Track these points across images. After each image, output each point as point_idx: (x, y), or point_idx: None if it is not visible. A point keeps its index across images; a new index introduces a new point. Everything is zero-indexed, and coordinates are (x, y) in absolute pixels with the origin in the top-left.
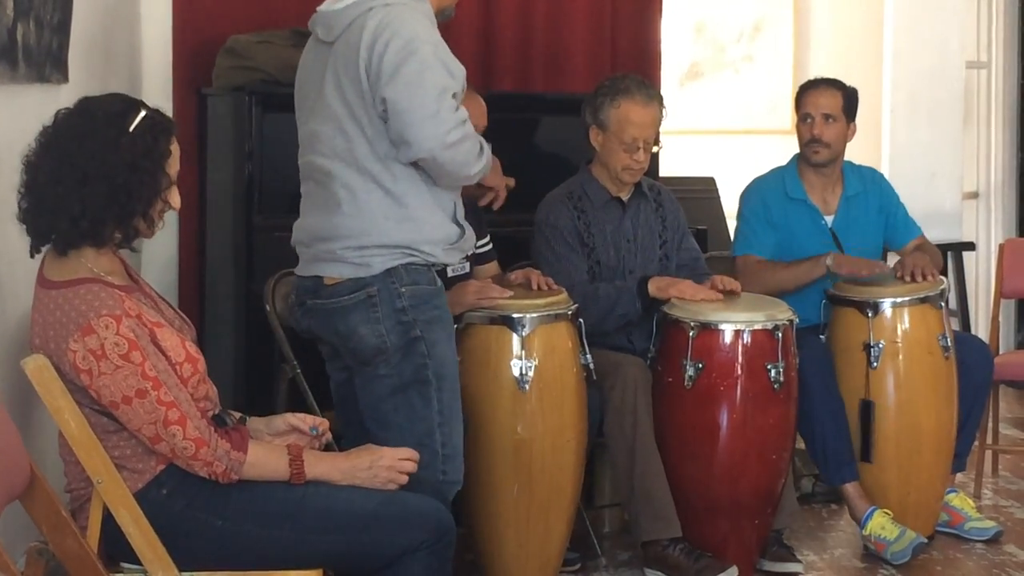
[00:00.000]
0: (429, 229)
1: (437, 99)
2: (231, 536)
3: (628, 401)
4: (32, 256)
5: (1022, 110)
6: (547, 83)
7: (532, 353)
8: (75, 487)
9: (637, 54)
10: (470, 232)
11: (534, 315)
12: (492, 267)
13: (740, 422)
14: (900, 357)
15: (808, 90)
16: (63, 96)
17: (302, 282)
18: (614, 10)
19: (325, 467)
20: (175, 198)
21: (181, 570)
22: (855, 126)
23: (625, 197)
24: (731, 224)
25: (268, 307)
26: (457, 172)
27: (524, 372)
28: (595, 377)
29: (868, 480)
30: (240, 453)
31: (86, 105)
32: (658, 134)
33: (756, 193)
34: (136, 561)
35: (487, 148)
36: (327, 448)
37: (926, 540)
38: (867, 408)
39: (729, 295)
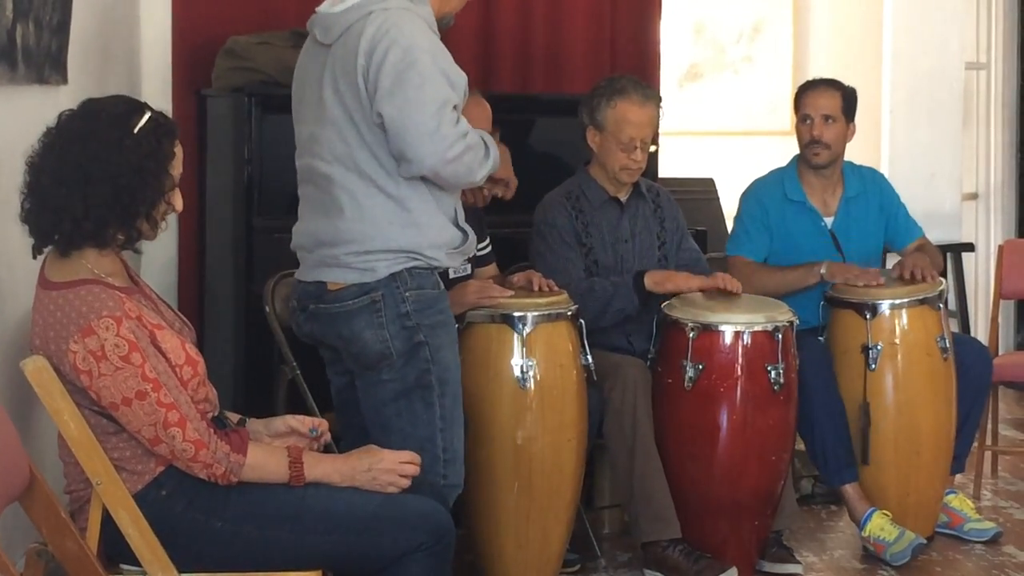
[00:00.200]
0: (432, 233)
1: (436, 114)
2: (230, 537)
3: (628, 402)
4: (35, 257)
5: (1021, 111)
6: (546, 84)
7: (533, 352)
8: (74, 488)
9: (636, 55)
10: (472, 235)
11: (535, 314)
12: (491, 269)
13: (740, 423)
14: (898, 359)
15: (807, 91)
16: (62, 97)
17: (304, 287)
18: (613, 11)
19: (325, 468)
20: (178, 200)
21: (180, 571)
22: (855, 126)
23: (623, 197)
24: (730, 225)
25: (268, 308)
26: (461, 182)
27: (524, 371)
28: (595, 378)
29: (867, 481)
30: (240, 455)
31: (90, 107)
32: (657, 134)
33: (754, 195)
34: (135, 562)
35: (492, 147)
36: (326, 449)
37: (925, 541)
38: (865, 411)
39: (729, 295)
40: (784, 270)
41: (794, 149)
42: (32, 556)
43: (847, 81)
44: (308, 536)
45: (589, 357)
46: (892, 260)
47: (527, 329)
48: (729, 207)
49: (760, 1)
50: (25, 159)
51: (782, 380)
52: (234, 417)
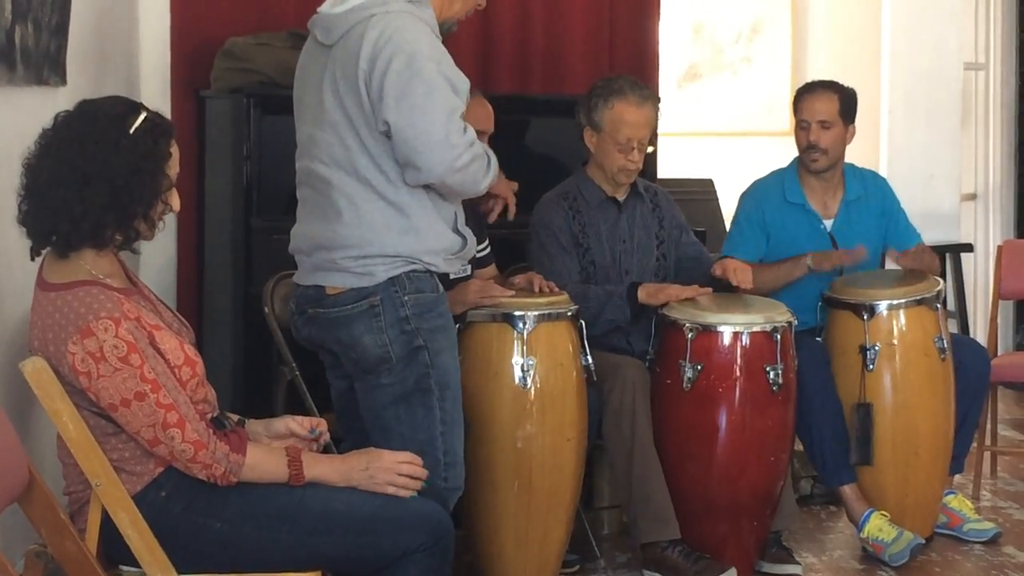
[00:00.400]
0: (431, 240)
1: (445, 124)
2: (230, 538)
3: (627, 403)
4: (32, 259)
5: (1020, 111)
6: (545, 85)
7: (533, 352)
8: (74, 489)
9: (635, 56)
10: (471, 240)
11: (535, 313)
12: (490, 271)
13: (739, 424)
14: (896, 359)
15: (804, 95)
16: (61, 98)
17: (303, 291)
18: (612, 12)
19: (323, 468)
20: (175, 200)
21: (180, 572)
22: (854, 128)
23: (621, 198)
24: (729, 226)
25: (267, 309)
26: (467, 191)
27: (525, 371)
28: (595, 379)
29: (866, 482)
30: (239, 455)
31: (86, 107)
32: (655, 134)
33: (752, 197)
34: (135, 563)
35: (494, 161)
36: (325, 450)
37: (924, 541)
38: (867, 412)
39: (729, 295)
40: (772, 266)
41: (793, 150)
42: (31, 557)
43: (846, 82)
44: (307, 537)
45: (589, 357)
46: (890, 264)
47: (527, 329)
48: (728, 208)
49: (759, 2)
50: (22, 160)
51: (781, 380)
52: (233, 418)
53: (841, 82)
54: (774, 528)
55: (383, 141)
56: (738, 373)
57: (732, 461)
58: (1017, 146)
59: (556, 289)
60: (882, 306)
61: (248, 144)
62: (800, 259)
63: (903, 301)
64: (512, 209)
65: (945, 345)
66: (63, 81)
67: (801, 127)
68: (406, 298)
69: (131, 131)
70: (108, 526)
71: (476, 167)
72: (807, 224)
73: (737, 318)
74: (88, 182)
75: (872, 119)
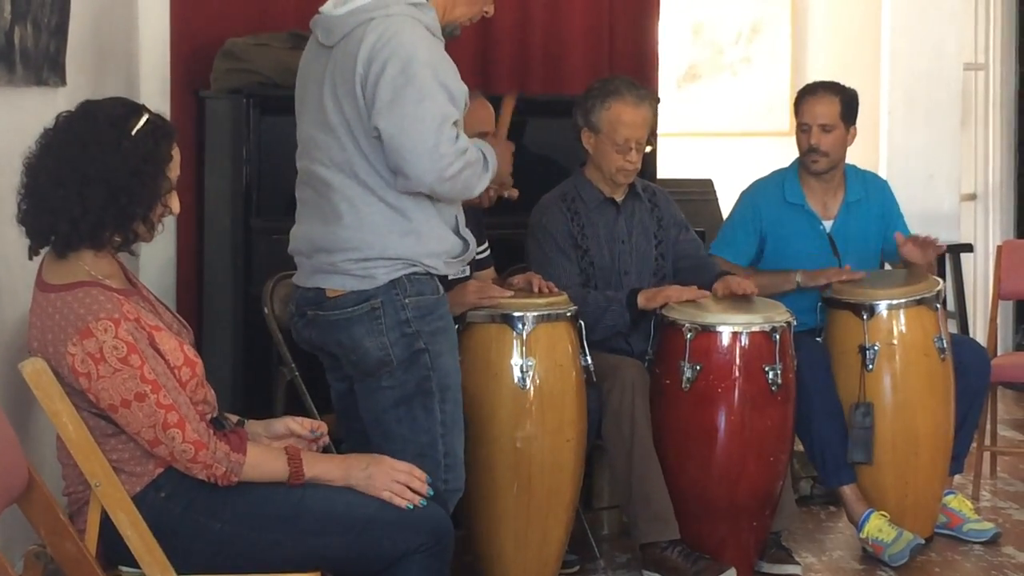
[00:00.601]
0: (432, 243)
1: (435, 133)
2: (229, 539)
3: (626, 403)
4: (31, 258)
5: (1020, 112)
6: (545, 86)
7: (532, 352)
8: (73, 490)
9: (635, 56)
10: (473, 243)
11: (534, 314)
12: (489, 273)
13: (738, 424)
14: (896, 359)
15: (805, 97)
16: (60, 99)
17: (303, 293)
18: (611, 12)
19: (324, 466)
20: (175, 203)
21: (179, 573)
22: (855, 129)
23: (619, 198)
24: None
25: (266, 310)
26: (458, 197)
27: (524, 371)
28: (595, 379)
29: (866, 482)
30: (239, 455)
31: (88, 108)
32: (654, 134)
33: (750, 197)
34: (135, 564)
35: (491, 159)
36: (325, 451)
37: (923, 541)
38: (868, 412)
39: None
40: (759, 274)
41: (793, 150)
42: (31, 558)
43: (845, 82)
44: (307, 537)
45: (588, 358)
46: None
47: (527, 329)
48: (728, 208)
49: (758, 2)
50: (23, 160)
51: (780, 381)
52: (233, 418)
53: (842, 83)
54: (774, 528)
55: (379, 146)
56: (737, 373)
57: (731, 461)
58: (1017, 146)
59: (555, 290)
60: (882, 306)
61: (247, 145)
62: (789, 274)
63: (903, 301)
64: (509, 190)
65: (945, 345)
66: (63, 82)
67: (802, 130)
68: (407, 301)
69: (132, 133)
70: (108, 527)
71: (468, 174)
72: (806, 225)
73: (736, 318)
74: (88, 183)
75: (872, 119)
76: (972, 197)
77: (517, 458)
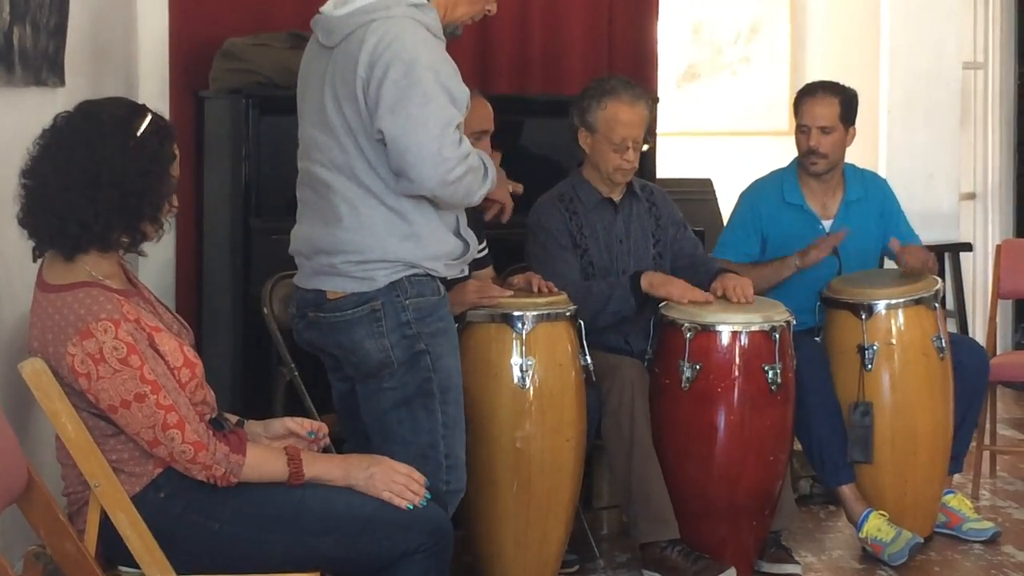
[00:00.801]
0: (433, 245)
1: (439, 137)
2: (229, 539)
3: (625, 403)
4: (35, 260)
5: (1019, 111)
6: (544, 85)
7: (532, 352)
8: (73, 491)
9: (634, 56)
10: (473, 244)
11: (534, 314)
12: (487, 272)
13: (737, 424)
14: (895, 358)
15: (805, 98)
16: (59, 100)
17: (303, 294)
18: (611, 12)
19: (324, 465)
20: (175, 201)
21: (179, 573)
22: (855, 130)
23: (617, 198)
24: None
25: (266, 310)
26: (459, 202)
27: (524, 371)
28: (594, 379)
29: (865, 482)
30: (239, 456)
31: (89, 109)
32: (653, 133)
33: (749, 198)
34: (134, 564)
35: (491, 169)
36: (325, 451)
37: (922, 541)
38: (867, 411)
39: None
40: (759, 266)
41: (792, 149)
42: (30, 558)
43: (845, 82)
44: (306, 538)
45: (588, 357)
46: (889, 266)
47: (526, 329)
48: (727, 208)
49: (757, 2)
50: (23, 161)
51: (779, 380)
52: (232, 419)
53: (842, 83)
54: (773, 528)
55: (380, 148)
56: (737, 373)
57: (731, 461)
58: (1016, 146)
59: (555, 289)
60: (880, 306)
61: (247, 145)
62: (787, 259)
63: (901, 300)
64: (507, 215)
65: (944, 344)
66: (61, 82)
67: (801, 131)
68: (407, 302)
69: (138, 133)
70: (107, 527)
71: (470, 179)
72: (805, 225)
73: (735, 318)
74: (96, 185)
75: (871, 119)
76: (971, 196)
77: (517, 458)
